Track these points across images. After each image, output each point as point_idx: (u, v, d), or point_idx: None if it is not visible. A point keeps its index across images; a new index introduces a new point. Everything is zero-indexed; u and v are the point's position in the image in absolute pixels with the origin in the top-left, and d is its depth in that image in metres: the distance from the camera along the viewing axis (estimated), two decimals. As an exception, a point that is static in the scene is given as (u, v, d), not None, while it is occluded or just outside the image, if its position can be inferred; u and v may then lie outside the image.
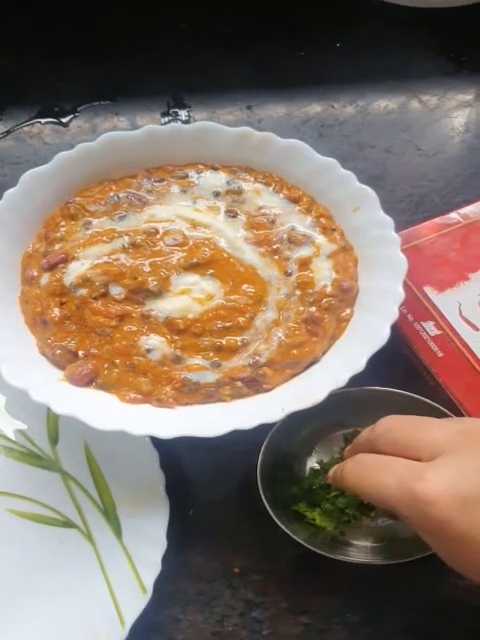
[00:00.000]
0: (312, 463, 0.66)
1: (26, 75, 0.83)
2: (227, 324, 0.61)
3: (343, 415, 0.66)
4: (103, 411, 0.59)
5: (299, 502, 0.63)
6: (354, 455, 0.51)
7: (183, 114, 0.81)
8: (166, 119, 0.80)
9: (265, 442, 0.60)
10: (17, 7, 0.85)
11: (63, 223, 0.65)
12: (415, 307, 0.65)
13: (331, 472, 0.56)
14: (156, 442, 0.63)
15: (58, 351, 0.61)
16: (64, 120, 0.81)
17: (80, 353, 0.61)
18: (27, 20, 0.85)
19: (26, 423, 0.68)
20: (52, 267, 0.63)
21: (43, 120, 0.81)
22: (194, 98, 0.81)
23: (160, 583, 0.60)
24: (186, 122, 0.80)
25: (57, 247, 0.64)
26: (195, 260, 0.62)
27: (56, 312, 0.62)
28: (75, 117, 0.81)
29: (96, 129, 0.80)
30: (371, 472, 0.47)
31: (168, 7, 0.86)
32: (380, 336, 0.58)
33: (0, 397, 0.68)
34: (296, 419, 0.58)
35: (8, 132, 0.80)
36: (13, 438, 0.68)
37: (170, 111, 0.81)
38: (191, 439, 0.56)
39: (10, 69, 0.83)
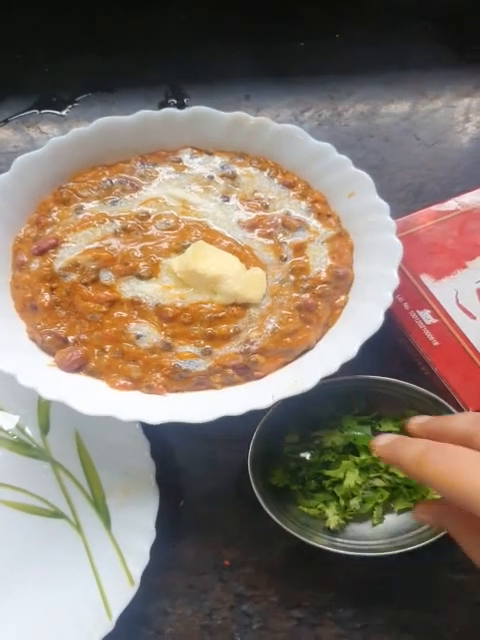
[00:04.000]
0: (305, 454, 0.65)
1: (25, 66, 0.83)
2: (219, 314, 0.60)
3: (336, 406, 0.65)
4: (92, 397, 0.58)
5: (293, 494, 0.62)
6: (436, 442, 0.44)
7: (182, 104, 0.81)
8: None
9: (255, 433, 0.60)
10: (19, 1, 0.85)
11: (55, 208, 0.64)
12: (411, 295, 0.64)
13: (386, 445, 0.48)
14: (148, 432, 0.62)
15: (48, 337, 0.60)
16: (62, 111, 0.81)
17: (70, 339, 0.61)
18: (27, 13, 0.86)
19: (17, 412, 0.68)
20: (42, 252, 0.62)
21: (41, 110, 0.81)
22: (193, 88, 0.82)
23: (149, 575, 0.60)
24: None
25: (48, 232, 0.64)
26: (187, 242, 0.62)
27: (46, 297, 0.61)
28: (73, 107, 0.81)
29: (93, 119, 0.78)
30: (471, 471, 0.40)
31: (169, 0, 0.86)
32: (373, 322, 0.57)
33: (-10, 386, 0.68)
34: (287, 410, 0.58)
35: (6, 121, 0.81)
36: (3, 427, 0.67)
37: (168, 101, 0.81)
38: (182, 429, 0.56)
39: (10, 60, 0.83)
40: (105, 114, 0.77)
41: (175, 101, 0.81)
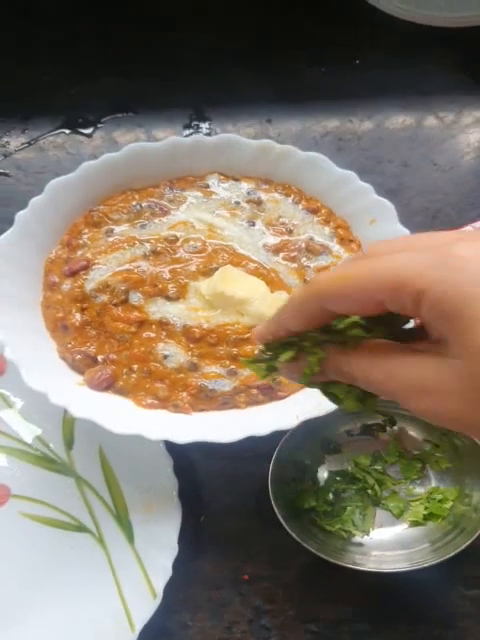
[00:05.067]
0: (323, 472, 0.66)
1: (52, 87, 0.84)
2: (245, 335, 0.62)
3: (353, 425, 0.67)
4: (120, 415, 0.59)
5: (314, 511, 0.64)
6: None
7: (204, 127, 0.83)
8: (188, 131, 0.82)
9: (276, 452, 0.61)
10: (46, 23, 0.87)
11: (86, 230, 0.66)
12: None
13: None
14: (170, 448, 0.63)
15: (78, 356, 0.62)
16: (87, 131, 0.82)
17: (99, 358, 0.62)
18: (56, 35, 0.87)
19: (41, 427, 0.69)
20: (74, 273, 0.64)
21: (67, 131, 0.82)
22: (215, 111, 0.83)
23: (170, 589, 0.61)
24: (207, 134, 0.81)
25: (79, 254, 0.65)
26: (214, 265, 0.63)
27: (77, 317, 0.63)
28: (98, 128, 0.82)
29: (118, 140, 0.81)
30: (376, 260, 0.34)
31: (191, 23, 0.88)
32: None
33: (17, 401, 0.69)
34: (307, 428, 0.59)
35: (32, 142, 0.82)
36: (29, 442, 0.68)
37: (192, 124, 0.82)
38: (204, 445, 0.57)
39: (37, 81, 0.85)
40: (130, 135, 0.79)
41: (199, 124, 0.82)
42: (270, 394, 0.61)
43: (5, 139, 0.82)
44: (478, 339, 0.31)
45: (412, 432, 0.66)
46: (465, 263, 0.31)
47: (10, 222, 0.64)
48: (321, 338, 0.37)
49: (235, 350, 0.61)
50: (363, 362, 0.36)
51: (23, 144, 0.82)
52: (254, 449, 0.59)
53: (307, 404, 0.59)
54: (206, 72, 0.84)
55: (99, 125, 0.82)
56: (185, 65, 0.85)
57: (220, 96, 0.83)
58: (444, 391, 0.34)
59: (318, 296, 0.36)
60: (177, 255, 0.64)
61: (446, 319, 0.32)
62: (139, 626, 0.60)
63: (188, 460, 0.67)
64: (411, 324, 0.36)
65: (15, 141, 0.82)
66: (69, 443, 0.68)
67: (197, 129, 0.82)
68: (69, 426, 0.68)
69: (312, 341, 0.38)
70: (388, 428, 0.67)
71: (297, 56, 0.85)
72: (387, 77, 0.84)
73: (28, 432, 0.68)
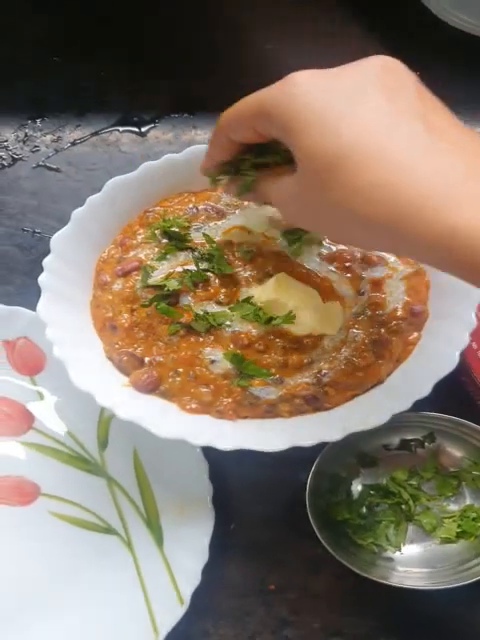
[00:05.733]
0: (357, 485, 0.66)
1: (109, 84, 0.84)
2: (293, 345, 0.61)
3: (391, 439, 0.66)
4: (164, 419, 0.59)
5: (347, 523, 0.63)
6: None
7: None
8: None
9: (316, 463, 0.61)
10: (104, 21, 0.87)
11: (141, 231, 0.66)
12: (480, 335, 0.64)
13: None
14: (205, 453, 0.63)
15: (125, 357, 0.62)
16: (141, 130, 0.82)
17: (146, 360, 0.62)
18: (114, 31, 0.87)
19: (76, 426, 0.69)
20: (126, 274, 0.64)
21: (121, 128, 0.82)
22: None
23: (194, 595, 0.60)
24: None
25: (132, 254, 0.65)
26: (267, 271, 0.63)
27: (126, 318, 0.62)
28: (153, 127, 0.82)
29: (173, 140, 0.81)
30: (252, 94, 0.45)
31: (254, 28, 0.87)
32: (449, 362, 0.57)
33: (52, 397, 0.69)
34: (345, 441, 0.58)
35: (86, 138, 0.82)
36: (62, 440, 0.68)
37: (247, 127, 0.81)
38: (239, 452, 0.56)
39: (94, 76, 0.85)
40: (184, 136, 0.79)
41: (254, 128, 0.81)
42: (315, 405, 0.60)
43: (58, 134, 0.82)
44: (303, 144, 0.40)
45: (450, 449, 0.66)
46: (294, 87, 0.40)
47: (59, 218, 0.64)
48: (255, 161, 0.50)
49: (282, 358, 0.60)
50: (267, 184, 0.48)
51: (76, 140, 0.82)
52: (288, 458, 0.58)
53: (353, 417, 0.58)
54: (266, 77, 0.83)
55: (154, 124, 0.82)
56: (245, 70, 0.85)
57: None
58: (290, 198, 0.45)
59: (220, 127, 0.48)
60: (230, 260, 0.64)
61: (285, 133, 0.41)
62: (164, 632, 0.60)
63: (222, 466, 0.66)
64: None
65: (68, 136, 0.82)
66: (103, 443, 0.68)
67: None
68: (104, 426, 0.68)
69: (246, 165, 0.51)
70: (426, 444, 0.66)
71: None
72: (448, 91, 0.81)
73: (62, 430, 0.69)
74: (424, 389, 0.57)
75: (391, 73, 0.41)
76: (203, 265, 0.63)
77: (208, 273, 0.63)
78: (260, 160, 0.50)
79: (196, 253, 0.64)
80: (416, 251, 0.41)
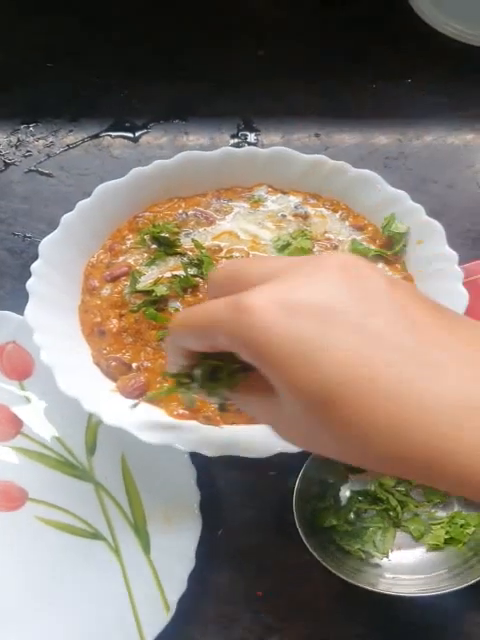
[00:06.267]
0: (345, 491, 0.66)
1: (102, 89, 0.84)
2: None
3: None
4: (152, 425, 0.58)
5: (334, 530, 0.63)
6: None
7: (252, 137, 0.82)
8: (235, 141, 0.81)
9: (303, 468, 0.61)
10: (99, 27, 0.87)
11: (130, 236, 0.66)
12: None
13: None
14: (192, 459, 0.63)
15: (113, 362, 0.61)
16: (133, 135, 0.82)
17: (134, 365, 0.62)
18: (108, 36, 0.87)
19: (64, 431, 0.68)
20: (115, 279, 0.64)
21: (114, 134, 0.82)
22: (264, 123, 0.82)
23: (181, 602, 0.60)
24: (254, 145, 0.81)
25: (121, 259, 0.65)
26: None
27: (114, 323, 0.62)
28: (146, 133, 0.82)
29: (165, 146, 0.81)
30: (201, 306, 0.39)
31: (247, 34, 0.87)
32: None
33: (40, 402, 0.69)
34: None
35: (78, 143, 0.82)
36: (49, 446, 0.68)
37: (239, 133, 0.82)
38: (226, 458, 0.56)
39: (87, 82, 0.85)
40: (177, 142, 0.79)
41: (246, 134, 0.82)
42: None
43: (51, 139, 0.82)
44: (281, 379, 0.35)
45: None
46: (253, 318, 0.34)
47: (49, 222, 0.64)
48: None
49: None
50: (249, 401, 0.42)
51: (68, 145, 0.82)
52: (275, 464, 0.58)
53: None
54: (257, 83, 0.84)
55: (147, 130, 0.82)
56: (236, 76, 0.85)
57: (269, 107, 0.83)
58: (283, 421, 0.39)
59: (172, 336, 0.42)
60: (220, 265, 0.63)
61: (256, 362, 0.35)
62: (150, 638, 0.59)
63: (208, 471, 0.66)
64: None
65: (60, 142, 0.82)
66: (91, 449, 0.67)
67: (244, 139, 0.81)
68: (92, 432, 0.67)
69: (200, 377, 0.42)
70: None
71: (350, 72, 0.85)
72: (438, 98, 0.83)
73: (50, 436, 0.68)
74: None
75: (354, 275, 0.36)
76: (192, 271, 0.63)
77: (197, 279, 0.63)
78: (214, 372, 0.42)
79: (185, 259, 0.64)
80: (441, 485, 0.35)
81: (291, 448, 0.55)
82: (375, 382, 0.33)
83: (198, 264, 0.63)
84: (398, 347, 0.33)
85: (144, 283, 0.63)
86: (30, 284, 0.61)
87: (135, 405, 0.57)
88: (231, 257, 0.63)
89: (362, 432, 0.33)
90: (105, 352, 0.62)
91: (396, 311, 0.34)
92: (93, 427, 0.67)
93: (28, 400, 0.68)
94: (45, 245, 0.62)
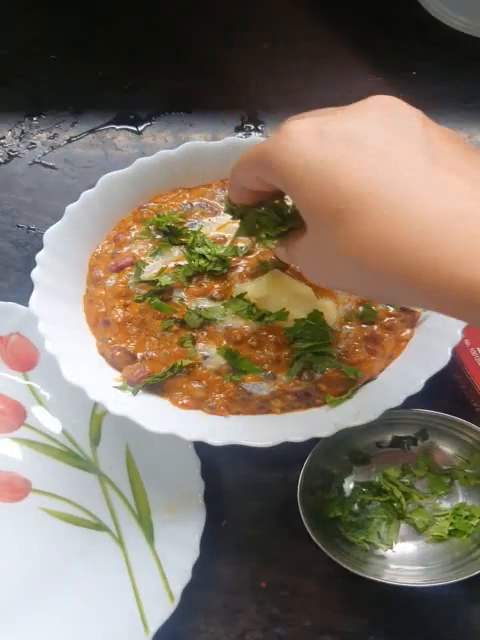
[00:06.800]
0: (349, 483, 0.66)
1: (105, 81, 0.84)
2: (286, 342, 0.61)
3: (383, 437, 0.66)
4: (156, 414, 0.59)
5: (339, 521, 0.63)
6: None
7: (257, 130, 0.82)
8: (240, 134, 0.81)
9: (307, 459, 0.61)
10: (103, 20, 0.87)
11: (134, 227, 0.66)
12: (473, 332, 0.64)
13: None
14: (197, 450, 0.63)
15: (117, 352, 0.62)
16: (137, 128, 0.82)
17: (138, 355, 0.62)
18: (111, 29, 0.87)
19: (68, 422, 0.68)
20: (119, 269, 0.64)
21: (118, 126, 0.82)
22: (269, 115, 0.82)
23: (185, 592, 0.60)
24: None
25: (126, 250, 0.65)
26: (260, 268, 0.63)
27: (119, 313, 0.63)
28: (149, 125, 0.82)
29: (169, 138, 0.81)
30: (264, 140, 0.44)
31: (251, 27, 0.87)
32: (441, 358, 0.58)
33: (45, 395, 0.69)
34: (337, 438, 0.58)
35: (82, 136, 0.82)
36: (54, 437, 0.68)
37: (244, 126, 0.81)
38: (231, 449, 0.56)
39: (91, 75, 0.85)
40: (181, 134, 0.79)
41: (251, 126, 0.82)
42: (307, 401, 0.61)
43: (54, 131, 0.82)
44: (303, 199, 0.38)
45: (443, 446, 0.66)
46: (288, 140, 0.38)
47: (53, 215, 0.64)
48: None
49: (275, 354, 0.60)
50: (288, 246, 0.48)
51: (72, 137, 0.82)
52: (280, 455, 0.58)
53: (345, 413, 0.59)
54: (263, 76, 0.84)
55: (151, 122, 0.82)
56: (241, 68, 0.85)
57: (273, 100, 0.83)
58: (306, 256, 0.44)
59: (232, 174, 0.47)
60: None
61: (286, 188, 0.40)
62: (153, 629, 0.60)
63: (214, 463, 0.66)
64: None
65: (64, 134, 0.82)
66: (96, 440, 0.68)
67: (249, 132, 0.81)
68: (97, 422, 0.68)
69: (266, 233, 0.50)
70: (419, 442, 0.66)
71: (354, 64, 0.84)
72: (444, 89, 0.82)
73: (54, 427, 0.69)
74: (416, 385, 0.57)
75: (392, 112, 0.39)
76: (196, 260, 0.63)
77: (202, 269, 0.63)
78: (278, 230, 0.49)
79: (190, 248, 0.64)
80: (428, 301, 0.38)
81: (296, 437, 0.56)
82: (380, 199, 0.35)
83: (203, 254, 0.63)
84: (412, 168, 0.36)
85: (149, 273, 0.63)
86: (35, 274, 0.61)
87: (136, 390, 0.58)
88: (235, 247, 0.63)
89: (361, 245, 0.36)
90: (110, 342, 0.62)
91: (421, 142, 0.37)
92: (97, 418, 0.67)
93: (33, 391, 0.69)
94: (50, 235, 0.62)
